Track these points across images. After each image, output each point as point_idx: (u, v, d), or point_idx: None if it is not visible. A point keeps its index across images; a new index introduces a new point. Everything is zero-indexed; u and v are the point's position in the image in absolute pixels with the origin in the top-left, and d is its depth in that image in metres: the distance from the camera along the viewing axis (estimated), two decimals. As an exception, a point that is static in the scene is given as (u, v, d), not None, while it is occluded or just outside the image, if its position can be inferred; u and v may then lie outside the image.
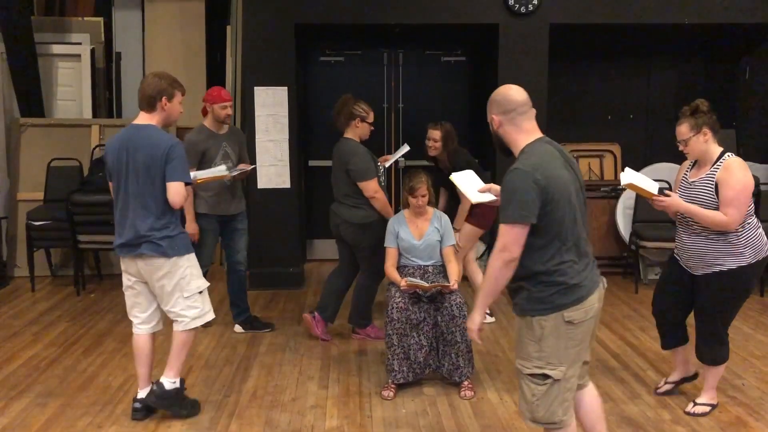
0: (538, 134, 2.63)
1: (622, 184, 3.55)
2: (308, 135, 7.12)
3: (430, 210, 4.24)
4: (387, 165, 4.90)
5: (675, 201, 3.48)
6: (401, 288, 3.98)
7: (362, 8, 5.99)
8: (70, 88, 7.06)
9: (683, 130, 3.50)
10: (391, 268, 4.18)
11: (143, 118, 3.53)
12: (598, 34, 6.73)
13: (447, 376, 4.03)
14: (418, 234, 4.18)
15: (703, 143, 3.46)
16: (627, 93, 7.25)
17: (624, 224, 6.47)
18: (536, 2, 5.97)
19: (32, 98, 6.71)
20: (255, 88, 5.95)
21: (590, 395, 2.85)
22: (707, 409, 3.70)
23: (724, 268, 3.45)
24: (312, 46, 7.08)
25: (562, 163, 2.56)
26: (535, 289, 2.54)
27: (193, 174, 4.03)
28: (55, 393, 4.00)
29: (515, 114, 2.62)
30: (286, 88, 5.99)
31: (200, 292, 3.59)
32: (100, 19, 7.17)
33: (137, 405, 3.67)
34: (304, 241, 7.14)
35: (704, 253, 3.48)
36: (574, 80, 6.95)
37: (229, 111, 4.74)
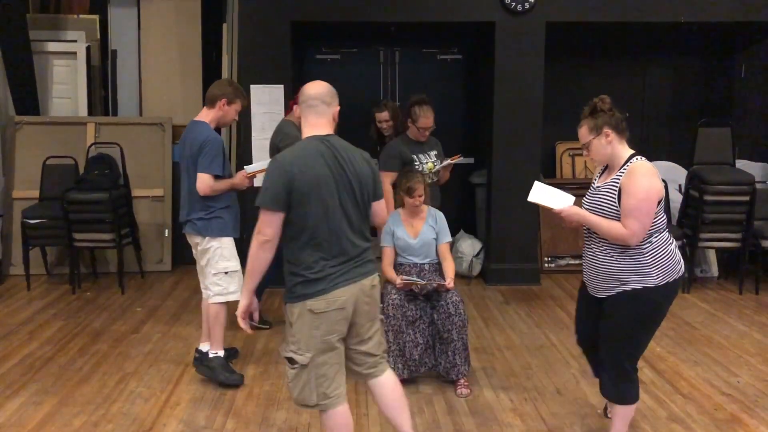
0: (321, 131, 2.78)
1: (528, 199, 3.23)
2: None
3: (425, 208, 4.25)
4: None
5: (572, 210, 3.07)
6: (397, 286, 3.99)
7: (358, 6, 5.99)
8: (66, 86, 7.04)
9: (583, 132, 3.08)
10: (387, 267, 4.18)
11: (201, 114, 4.10)
12: (594, 33, 6.74)
13: (443, 374, 4.04)
14: (413, 233, 4.19)
15: (606, 146, 3.03)
16: (623, 91, 7.24)
17: (620, 222, 6.48)
18: (532, 0, 5.96)
19: (27, 96, 6.69)
20: (251, 86, 5.93)
21: (386, 386, 2.97)
22: None
23: (627, 288, 2.97)
24: (308, 44, 7.07)
25: (323, 162, 2.70)
26: (287, 278, 2.79)
27: (246, 167, 4.26)
28: (51, 391, 4.00)
29: (305, 106, 2.82)
30: (282, 86, 5.97)
31: (226, 273, 4.01)
32: (96, 17, 7.14)
33: (196, 355, 4.23)
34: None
35: (607, 271, 3.02)
36: (570, 78, 6.95)
37: None
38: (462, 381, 4.00)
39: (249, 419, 3.66)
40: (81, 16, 7.16)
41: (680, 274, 3.04)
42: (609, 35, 6.85)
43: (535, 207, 6.36)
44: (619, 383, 3.09)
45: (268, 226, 2.69)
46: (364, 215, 2.82)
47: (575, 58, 7.04)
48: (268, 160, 4.47)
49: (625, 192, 2.91)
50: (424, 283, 3.96)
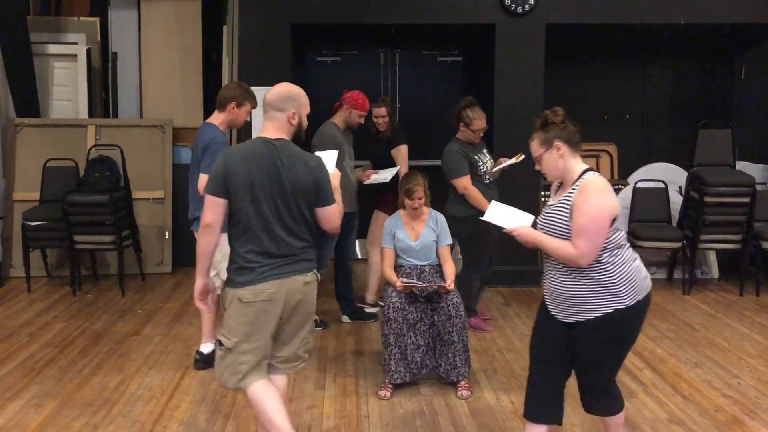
0: (271, 134, 2.91)
1: (483, 218, 3.16)
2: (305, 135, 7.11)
3: (427, 210, 4.25)
4: (370, 181, 5.17)
5: (524, 230, 2.92)
6: (397, 288, 3.99)
7: (359, 8, 6.00)
8: (66, 88, 7.04)
9: (534, 146, 2.88)
10: (387, 269, 4.18)
11: (212, 116, 4.25)
12: (594, 34, 6.74)
13: (444, 376, 4.03)
14: (414, 235, 4.19)
15: (558, 159, 2.82)
16: (623, 93, 7.27)
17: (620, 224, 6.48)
18: (532, 2, 5.97)
19: (28, 98, 6.69)
20: (251, 88, 5.92)
21: (280, 389, 3.10)
22: None
23: (599, 314, 2.75)
24: (308, 46, 7.08)
25: (260, 164, 2.83)
26: (228, 263, 2.96)
27: None
28: (51, 394, 3.99)
29: (264, 110, 2.98)
30: (282, 88, 5.98)
31: None
32: (96, 19, 7.15)
33: (197, 356, 4.37)
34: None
35: (572, 296, 2.79)
36: (570, 80, 6.97)
37: (362, 121, 5.10)
38: (463, 383, 3.99)
39: (249, 421, 3.66)
40: (81, 18, 7.17)
41: (648, 290, 2.82)
42: (609, 37, 6.85)
43: (536, 208, 6.38)
44: (605, 400, 2.97)
45: (209, 211, 2.86)
46: (300, 218, 2.90)
47: (575, 59, 7.05)
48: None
49: (576, 210, 2.71)
50: (424, 285, 3.96)
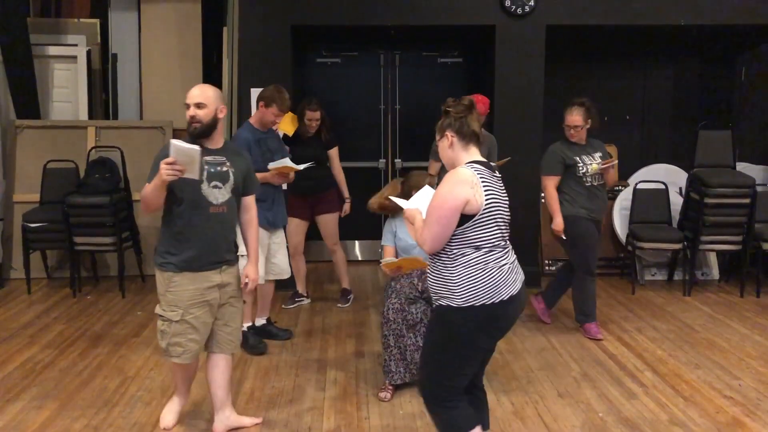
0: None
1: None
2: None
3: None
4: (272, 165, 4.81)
5: (408, 213, 2.88)
6: (383, 269, 3.82)
7: (359, 10, 6.00)
8: (66, 89, 7.05)
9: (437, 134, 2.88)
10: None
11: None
12: (594, 36, 6.75)
13: (444, 378, 4.02)
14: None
15: (447, 149, 2.79)
16: (623, 94, 7.27)
17: (621, 225, 6.48)
18: (532, 4, 5.97)
19: (28, 100, 6.69)
20: (251, 89, 5.94)
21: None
22: None
23: (441, 303, 2.72)
24: (309, 48, 7.08)
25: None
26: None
27: (270, 164, 4.58)
28: (51, 395, 3.99)
29: None
30: (282, 89, 5.98)
31: (242, 256, 3.93)
32: (96, 21, 7.15)
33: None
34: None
35: (429, 277, 2.81)
36: (570, 82, 6.96)
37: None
38: (463, 384, 3.99)
39: (250, 423, 3.66)
40: (82, 20, 7.17)
41: (493, 301, 2.65)
42: (609, 38, 6.86)
43: (536, 209, 6.39)
44: (431, 407, 2.84)
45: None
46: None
47: (575, 61, 7.05)
48: (287, 159, 4.74)
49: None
50: (399, 260, 3.63)
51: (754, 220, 5.86)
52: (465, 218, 2.64)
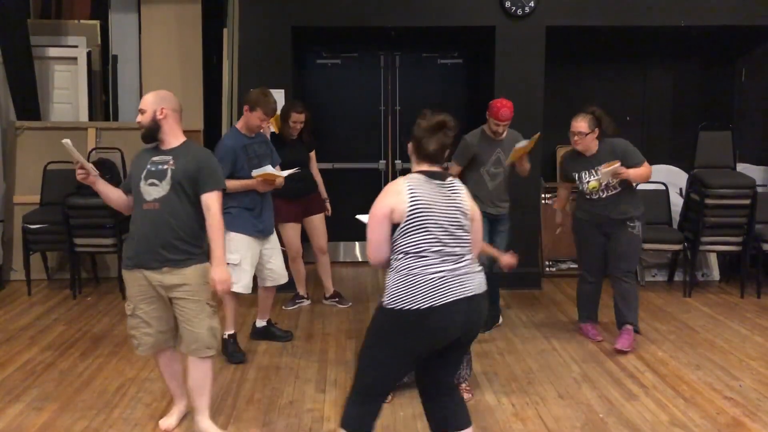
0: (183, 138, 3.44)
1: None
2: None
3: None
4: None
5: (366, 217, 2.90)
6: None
7: (359, 11, 6.00)
8: (67, 91, 7.05)
9: None
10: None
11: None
12: (594, 37, 6.75)
13: (444, 379, 4.02)
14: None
15: (412, 154, 2.87)
16: (623, 95, 7.26)
17: (621, 226, 6.47)
18: (533, 5, 5.97)
19: (28, 101, 6.69)
20: (251, 91, 5.93)
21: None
22: None
23: (383, 300, 2.75)
24: (309, 49, 7.08)
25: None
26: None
27: (253, 171, 4.45)
28: (52, 397, 3.99)
29: (178, 115, 3.48)
30: (282, 90, 5.97)
31: (228, 264, 3.73)
32: (97, 22, 7.16)
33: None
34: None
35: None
36: (571, 82, 6.96)
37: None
38: (463, 385, 3.98)
39: (250, 424, 3.65)
40: (82, 21, 7.17)
41: (417, 307, 2.61)
42: (609, 39, 6.85)
43: (536, 210, 6.39)
44: (348, 402, 2.83)
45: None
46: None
47: (575, 62, 7.05)
48: (269, 165, 4.56)
49: None
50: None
51: (754, 220, 5.86)
52: (395, 226, 2.72)
